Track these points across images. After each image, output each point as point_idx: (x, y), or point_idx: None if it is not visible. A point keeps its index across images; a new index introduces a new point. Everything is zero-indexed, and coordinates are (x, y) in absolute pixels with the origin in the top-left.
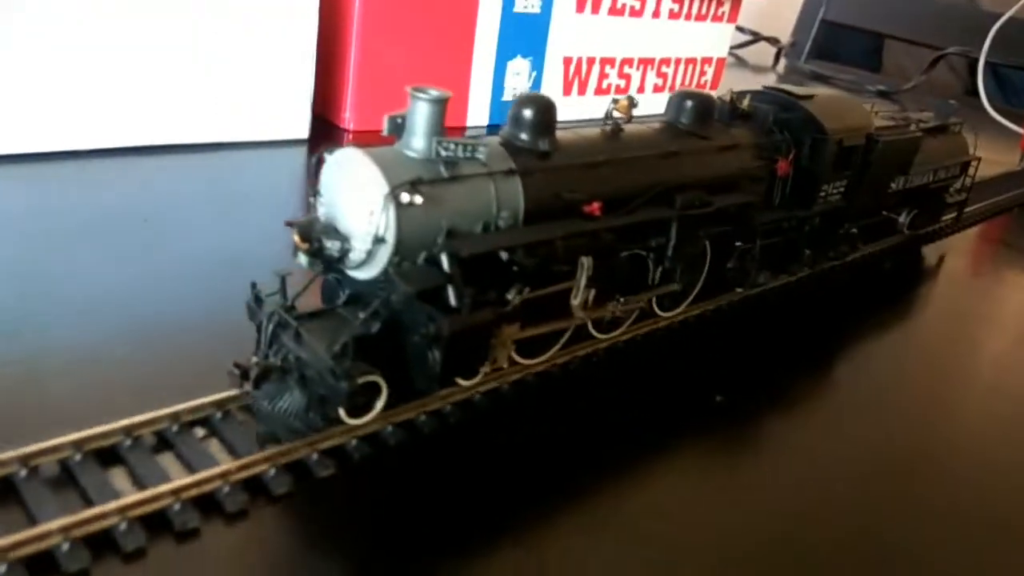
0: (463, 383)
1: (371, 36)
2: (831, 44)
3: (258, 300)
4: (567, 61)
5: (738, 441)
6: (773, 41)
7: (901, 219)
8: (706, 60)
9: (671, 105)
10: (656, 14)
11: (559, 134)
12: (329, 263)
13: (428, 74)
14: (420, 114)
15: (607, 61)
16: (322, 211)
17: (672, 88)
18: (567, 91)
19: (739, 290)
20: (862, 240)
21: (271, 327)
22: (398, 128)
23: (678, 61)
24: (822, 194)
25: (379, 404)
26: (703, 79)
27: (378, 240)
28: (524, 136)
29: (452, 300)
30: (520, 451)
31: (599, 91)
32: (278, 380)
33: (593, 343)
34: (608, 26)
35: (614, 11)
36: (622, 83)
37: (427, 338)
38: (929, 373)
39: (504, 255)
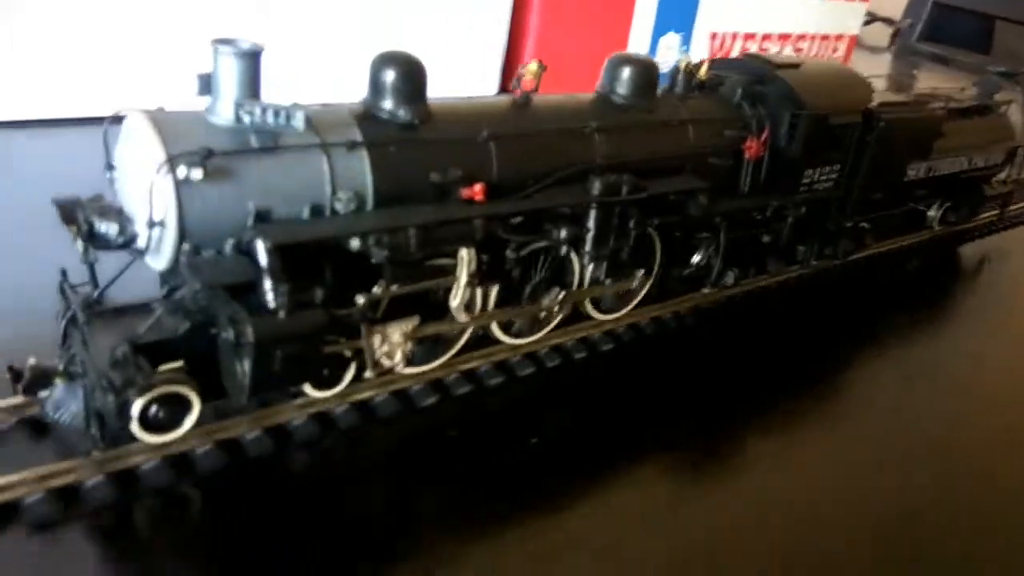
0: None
1: (550, 11)
2: (942, 25)
3: (63, 291)
4: (713, 36)
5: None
6: (889, 22)
7: (931, 213)
8: (839, 37)
9: (605, 73)
10: None
11: (440, 102)
12: (116, 247)
13: (587, 47)
14: (225, 71)
15: (749, 36)
16: (116, 187)
17: None
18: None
19: (705, 291)
20: (875, 235)
21: (63, 324)
22: (208, 88)
23: (813, 37)
24: (806, 180)
25: (189, 420)
26: (836, 55)
27: (154, 223)
28: (386, 104)
29: (269, 299)
30: None
31: None
32: (67, 386)
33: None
34: (751, 2)
35: None
36: None
37: (231, 344)
38: (948, 409)
39: (356, 244)
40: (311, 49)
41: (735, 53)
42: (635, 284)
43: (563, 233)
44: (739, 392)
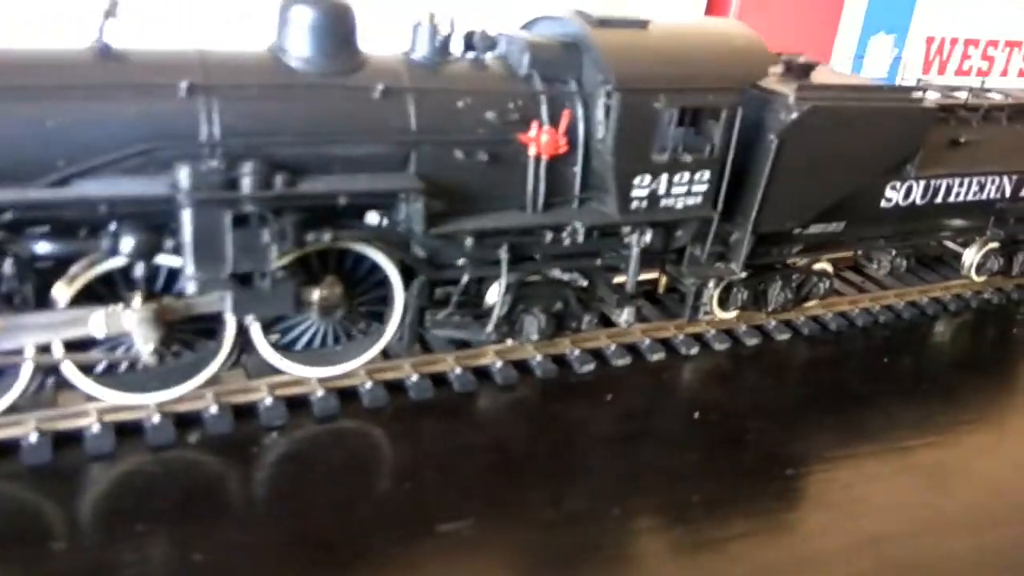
0: None
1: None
2: None
3: None
4: (929, 40)
5: None
6: None
7: (967, 256)
8: None
9: (278, 23)
10: None
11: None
12: None
13: (792, 45)
14: None
15: (971, 42)
16: None
17: None
18: (926, 70)
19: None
20: (826, 283)
21: None
22: None
23: None
24: (637, 193)
25: None
26: None
27: None
28: None
29: None
30: None
31: (959, 72)
32: None
33: None
34: (976, 6)
35: None
36: (984, 65)
37: None
38: None
39: None
40: None
41: (955, 60)
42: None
43: (114, 243)
44: None
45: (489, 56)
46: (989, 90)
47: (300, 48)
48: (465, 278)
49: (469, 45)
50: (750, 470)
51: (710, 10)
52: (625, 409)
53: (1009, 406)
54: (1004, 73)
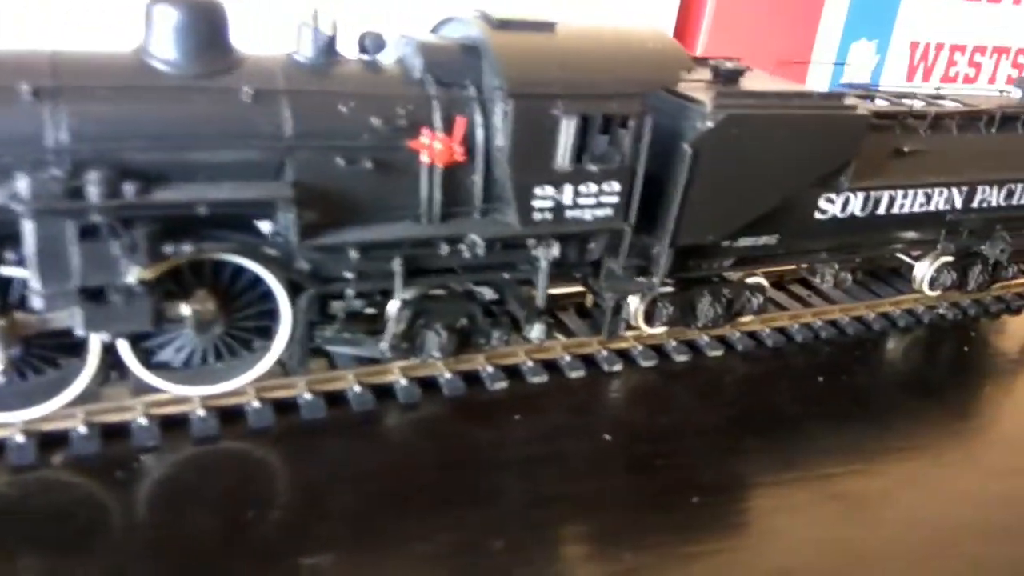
0: None
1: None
2: None
3: None
4: (913, 46)
5: None
6: None
7: (919, 270)
8: None
9: (144, 23)
10: (1017, 0)
11: None
12: None
13: (768, 53)
14: None
15: (957, 48)
16: None
17: None
18: (910, 77)
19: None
20: (759, 297)
21: None
22: None
23: None
24: (539, 204)
25: None
26: None
27: None
28: None
29: None
30: None
31: (945, 79)
32: None
33: None
34: (962, 10)
35: None
36: (971, 72)
37: None
38: None
39: None
40: None
41: (940, 66)
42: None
43: None
44: None
45: (387, 59)
46: (943, 97)
47: (164, 49)
48: (350, 292)
49: (362, 47)
50: (654, 498)
51: (682, 15)
52: (534, 430)
53: (948, 432)
54: (992, 80)
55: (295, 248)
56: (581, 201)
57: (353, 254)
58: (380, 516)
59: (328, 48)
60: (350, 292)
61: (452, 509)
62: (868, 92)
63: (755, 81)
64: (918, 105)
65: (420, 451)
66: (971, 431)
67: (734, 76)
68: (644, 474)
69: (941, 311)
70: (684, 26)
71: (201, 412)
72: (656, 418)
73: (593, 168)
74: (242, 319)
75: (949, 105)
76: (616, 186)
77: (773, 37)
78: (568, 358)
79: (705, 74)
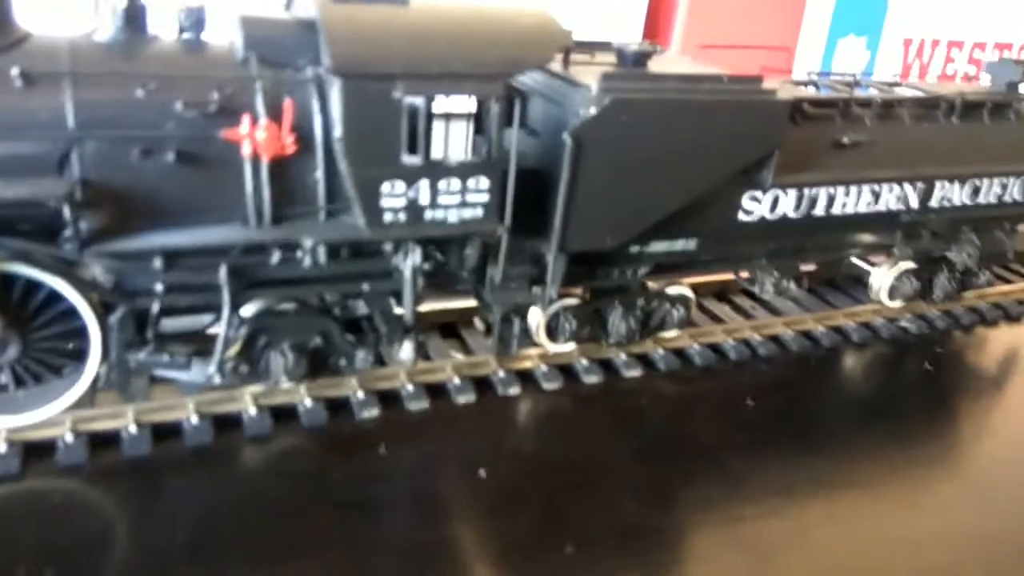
0: None
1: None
2: None
3: None
4: (907, 43)
5: None
6: None
7: (876, 278)
8: None
9: None
10: None
11: None
12: None
13: (743, 38)
14: None
15: (955, 44)
16: None
17: None
18: (904, 76)
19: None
20: (681, 309)
21: None
22: None
23: None
24: (390, 203)
25: None
26: None
27: None
28: None
29: None
30: None
31: (943, 78)
32: None
33: None
34: (959, 5)
35: None
36: (972, 70)
37: None
38: None
39: None
40: None
41: (937, 64)
42: None
43: None
44: None
45: (210, 37)
46: (899, 84)
47: None
48: (155, 307)
49: (180, 24)
50: (516, 546)
51: (653, 8)
52: (400, 465)
53: (894, 464)
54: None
55: (82, 256)
56: (442, 200)
57: (157, 263)
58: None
59: (130, 24)
60: (155, 308)
61: (290, 557)
62: (813, 80)
63: (665, 65)
64: (868, 93)
65: (251, 496)
66: (923, 462)
67: (640, 59)
68: (512, 517)
69: (903, 324)
70: (655, 17)
71: (2, 447)
72: (547, 449)
73: (453, 161)
74: (41, 340)
75: (903, 92)
76: (484, 182)
77: (752, 33)
78: (457, 380)
79: (609, 58)
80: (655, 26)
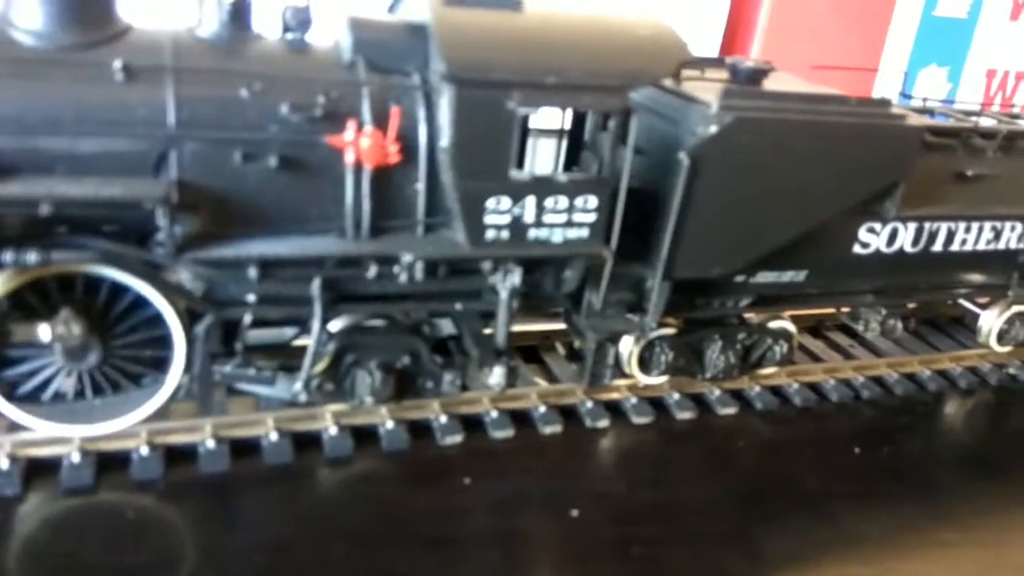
0: None
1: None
2: None
3: None
4: (991, 74)
5: None
6: None
7: (985, 320)
8: None
9: None
10: None
11: None
12: None
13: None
14: None
15: None
16: None
17: None
18: (986, 107)
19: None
20: (783, 345)
21: None
22: None
23: None
24: (493, 220)
25: None
26: None
27: None
28: None
29: None
30: None
31: None
32: None
33: None
34: None
35: None
36: None
37: None
38: None
39: None
40: None
41: (1021, 97)
42: None
43: None
44: None
45: (317, 38)
46: (1020, 117)
47: (28, 18)
48: (247, 319)
49: (284, 23)
50: None
51: (730, 29)
52: (485, 498)
53: (1006, 518)
54: None
55: (175, 262)
56: (547, 218)
57: (253, 272)
58: None
59: (235, 20)
60: (246, 319)
61: None
62: (927, 107)
63: (781, 84)
64: (988, 123)
65: (339, 518)
66: None
67: (756, 77)
68: (611, 565)
69: (1012, 371)
70: (732, 36)
71: (76, 457)
72: (643, 491)
73: (563, 178)
74: (123, 347)
75: None
76: (593, 201)
77: (835, 57)
78: (543, 409)
79: (721, 74)
80: (731, 45)
